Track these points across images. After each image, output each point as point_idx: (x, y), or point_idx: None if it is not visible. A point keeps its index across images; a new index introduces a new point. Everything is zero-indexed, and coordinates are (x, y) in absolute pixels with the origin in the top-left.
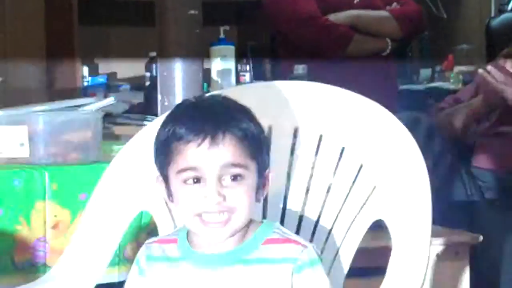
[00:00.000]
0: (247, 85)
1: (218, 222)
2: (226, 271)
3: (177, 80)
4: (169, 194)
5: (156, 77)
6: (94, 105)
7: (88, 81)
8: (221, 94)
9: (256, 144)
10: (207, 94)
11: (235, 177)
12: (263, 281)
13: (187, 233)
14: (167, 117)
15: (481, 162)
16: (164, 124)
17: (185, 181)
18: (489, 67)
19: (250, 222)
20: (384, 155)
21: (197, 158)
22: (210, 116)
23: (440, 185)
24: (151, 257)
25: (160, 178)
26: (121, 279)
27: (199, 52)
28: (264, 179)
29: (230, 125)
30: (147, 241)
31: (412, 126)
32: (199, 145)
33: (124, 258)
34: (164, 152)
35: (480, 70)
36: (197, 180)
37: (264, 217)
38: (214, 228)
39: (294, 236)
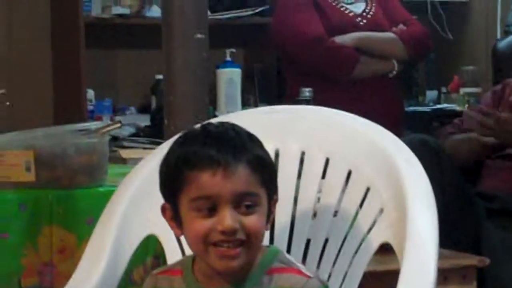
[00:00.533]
0: (253, 110)
1: (233, 252)
2: None
3: (183, 104)
4: (177, 223)
5: (162, 99)
6: (102, 129)
7: (94, 105)
8: (229, 122)
9: (267, 171)
10: (214, 121)
11: (249, 206)
12: None
13: (192, 263)
14: (175, 144)
15: (488, 184)
16: (173, 151)
17: (198, 210)
18: (469, 109)
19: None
20: (391, 178)
21: (212, 187)
22: (223, 143)
23: (447, 208)
24: None
25: (168, 206)
26: None
27: (206, 75)
28: (272, 207)
29: (243, 153)
30: (153, 272)
31: (419, 148)
32: (213, 173)
33: (131, 282)
34: (174, 180)
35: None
36: (211, 209)
37: (271, 242)
38: (228, 259)
39: (298, 266)
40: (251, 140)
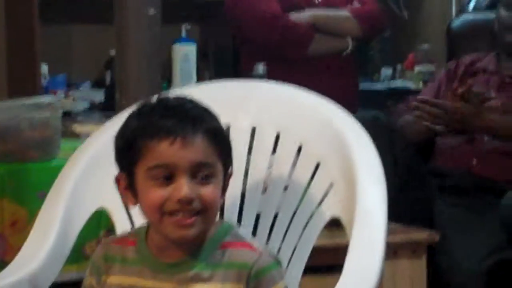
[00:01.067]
0: (206, 84)
1: (188, 220)
2: (183, 277)
3: (135, 80)
4: (132, 193)
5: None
6: (54, 103)
7: (48, 80)
8: (185, 95)
9: (224, 144)
10: (170, 94)
11: (206, 177)
12: (221, 286)
13: (146, 235)
14: (132, 115)
15: (440, 161)
16: (130, 123)
17: (155, 179)
18: (418, 101)
19: None
20: (340, 153)
21: (170, 156)
22: (181, 114)
23: (399, 185)
24: (108, 257)
25: (123, 176)
26: (80, 277)
27: (158, 51)
28: (227, 180)
29: (201, 124)
30: (105, 240)
31: (371, 125)
32: (171, 143)
33: (83, 256)
34: (131, 150)
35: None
36: (168, 178)
37: (221, 215)
38: (183, 228)
39: (250, 241)
40: (208, 113)
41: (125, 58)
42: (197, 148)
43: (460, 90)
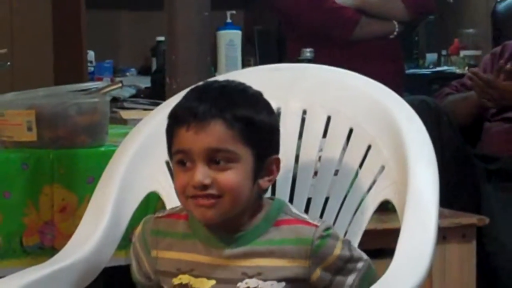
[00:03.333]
0: (255, 68)
1: (206, 202)
2: (238, 253)
3: (184, 63)
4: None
5: (163, 61)
6: (103, 89)
7: (94, 66)
8: (228, 79)
9: (254, 129)
10: (215, 78)
11: (225, 162)
12: (276, 263)
13: None
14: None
15: (488, 146)
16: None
17: (179, 164)
18: (470, 73)
19: (261, 201)
20: (392, 136)
21: (186, 141)
22: (203, 100)
23: (447, 169)
24: (159, 231)
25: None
26: (129, 262)
27: (207, 35)
28: (269, 165)
29: (223, 109)
30: (154, 215)
31: (419, 109)
32: (187, 128)
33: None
34: (167, 135)
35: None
36: (189, 163)
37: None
38: (202, 209)
39: (304, 216)
40: (242, 97)
41: (175, 43)
42: (212, 134)
43: (508, 67)
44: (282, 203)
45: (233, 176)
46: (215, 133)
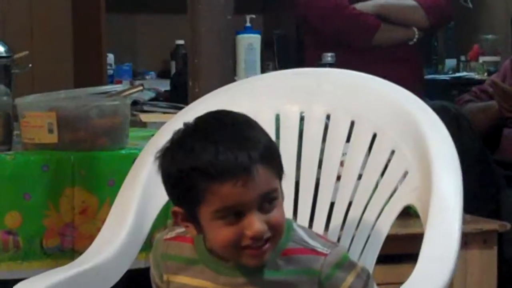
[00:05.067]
0: (278, 72)
1: (263, 250)
2: (245, 282)
3: (207, 67)
4: (195, 225)
5: (182, 65)
6: (123, 92)
7: (113, 69)
8: (225, 112)
9: (275, 157)
10: (204, 111)
11: (270, 202)
12: None
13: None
14: (179, 148)
15: (507, 152)
16: (179, 156)
17: (223, 218)
18: (490, 81)
19: None
20: (415, 141)
21: (235, 197)
22: (234, 147)
23: (467, 174)
24: (168, 256)
25: (181, 211)
26: (148, 265)
27: (230, 38)
28: (282, 188)
29: (256, 150)
30: (163, 237)
31: (440, 114)
32: (235, 183)
33: (151, 244)
34: (191, 191)
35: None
36: (236, 215)
37: (295, 205)
38: (258, 258)
39: (311, 245)
40: (252, 128)
41: (198, 46)
42: (260, 181)
43: None
44: (289, 228)
45: (280, 211)
46: (262, 179)
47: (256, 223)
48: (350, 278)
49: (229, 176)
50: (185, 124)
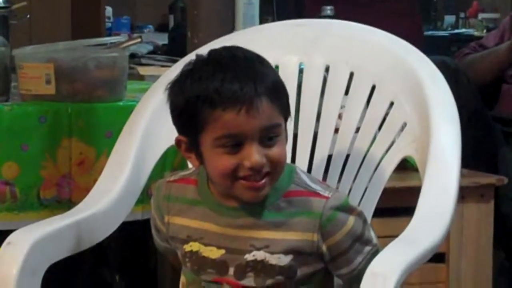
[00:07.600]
0: (278, 23)
1: (260, 183)
2: (246, 223)
3: (207, 19)
4: (197, 155)
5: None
6: (121, 44)
7: (112, 22)
8: (237, 47)
9: (283, 95)
10: (217, 45)
11: (272, 138)
12: (284, 235)
13: (208, 177)
14: (186, 75)
15: (505, 108)
16: (186, 84)
17: (223, 147)
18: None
19: None
20: (415, 92)
21: (237, 125)
22: (241, 77)
23: (464, 129)
24: (171, 197)
25: (184, 139)
26: (146, 217)
27: None
28: (287, 130)
29: (262, 83)
30: (167, 179)
31: (439, 69)
32: (237, 112)
33: (148, 197)
34: (195, 118)
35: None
36: (236, 145)
37: (293, 157)
38: (255, 190)
39: (314, 188)
40: (262, 64)
41: None
42: (263, 113)
43: None
44: (292, 171)
45: (281, 149)
46: (265, 111)
47: (255, 154)
48: (350, 221)
49: (232, 104)
50: (198, 55)
